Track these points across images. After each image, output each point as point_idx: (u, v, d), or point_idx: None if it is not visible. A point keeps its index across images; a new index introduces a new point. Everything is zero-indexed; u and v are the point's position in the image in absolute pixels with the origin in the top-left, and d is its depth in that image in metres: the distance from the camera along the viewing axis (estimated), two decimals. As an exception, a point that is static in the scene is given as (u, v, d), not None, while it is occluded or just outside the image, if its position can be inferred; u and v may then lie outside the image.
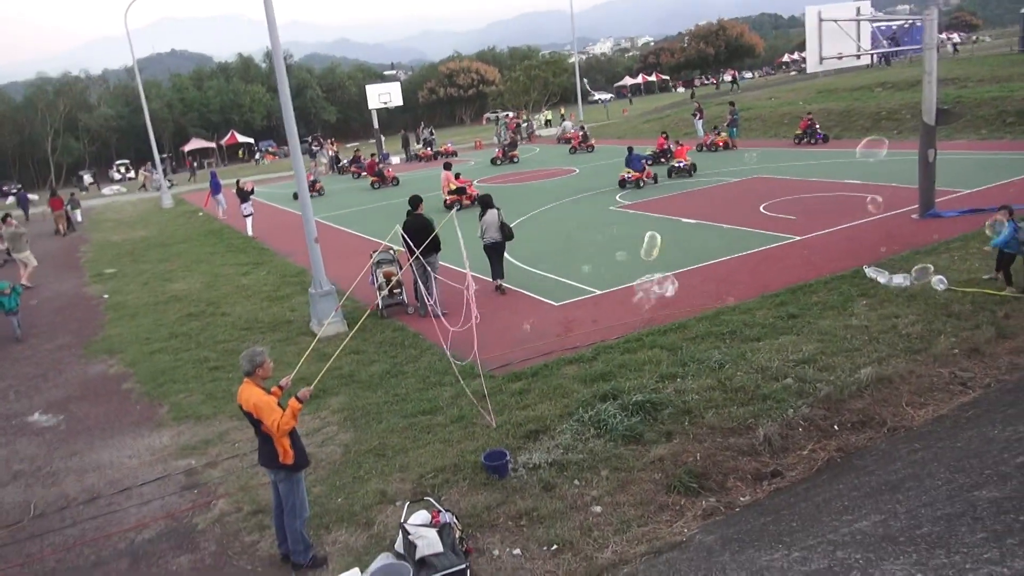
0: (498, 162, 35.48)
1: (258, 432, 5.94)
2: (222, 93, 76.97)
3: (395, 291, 12.83)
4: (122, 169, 67.54)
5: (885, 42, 15.29)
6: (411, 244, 12.06)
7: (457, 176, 23.35)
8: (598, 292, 12.78)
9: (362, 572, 5.81)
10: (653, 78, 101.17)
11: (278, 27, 12.24)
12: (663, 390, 8.46)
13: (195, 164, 53.63)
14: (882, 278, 11.44)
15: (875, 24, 17.56)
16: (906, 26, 56.65)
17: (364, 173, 36.22)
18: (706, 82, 72.95)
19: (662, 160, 26.29)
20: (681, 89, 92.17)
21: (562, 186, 25.85)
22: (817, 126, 29.06)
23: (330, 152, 42.98)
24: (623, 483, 6.80)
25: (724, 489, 6.59)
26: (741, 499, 6.40)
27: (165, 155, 69.26)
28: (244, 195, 22.41)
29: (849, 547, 4.46)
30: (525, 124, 49.62)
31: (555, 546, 6.03)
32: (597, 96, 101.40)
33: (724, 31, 68.74)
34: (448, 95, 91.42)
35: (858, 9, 15.66)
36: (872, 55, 49.75)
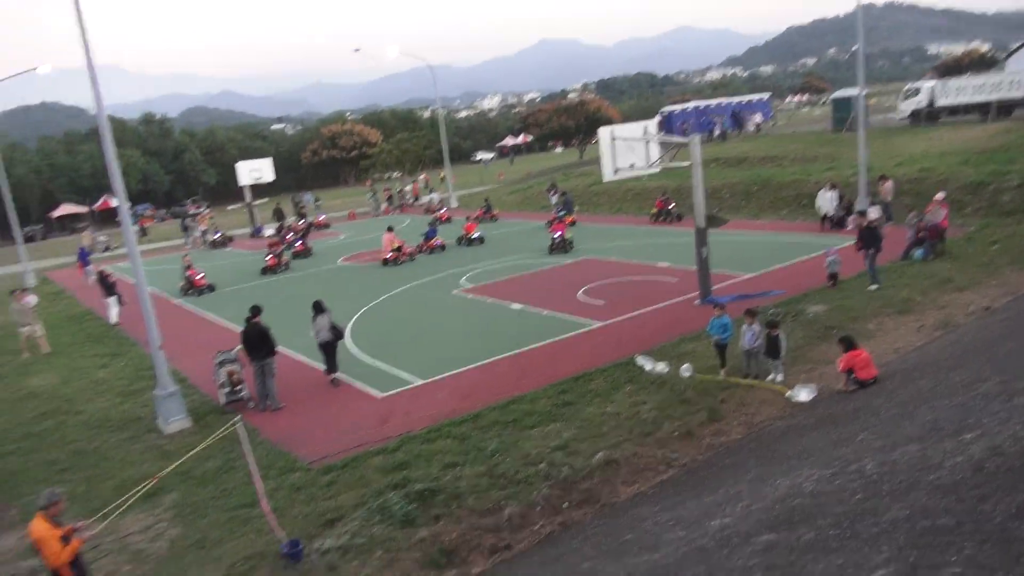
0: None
1: None
2: (94, 158, 75.48)
3: (237, 388, 14.35)
4: None
5: (662, 154, 18.11)
6: (247, 352, 13.77)
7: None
8: (419, 382, 14.71)
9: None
10: (533, 138, 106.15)
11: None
12: (443, 478, 10.39)
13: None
14: (648, 365, 13.90)
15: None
16: (747, 103, 62.80)
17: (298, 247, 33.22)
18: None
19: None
20: (559, 149, 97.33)
21: (416, 267, 27.88)
22: (671, 206, 31.33)
23: (201, 226, 43.41)
24: (391, 562, 8.64)
25: (466, 563, 8.54)
26: (474, 570, 8.36)
27: (36, 227, 67.38)
28: (110, 288, 23.13)
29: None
30: (399, 192, 51.67)
31: (326, 618, 7.78)
32: (479, 156, 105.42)
33: (583, 105, 74.14)
34: (332, 157, 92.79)
35: (645, 128, 18.58)
36: (715, 131, 54.78)
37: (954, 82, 43.94)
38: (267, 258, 30.16)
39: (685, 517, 6.77)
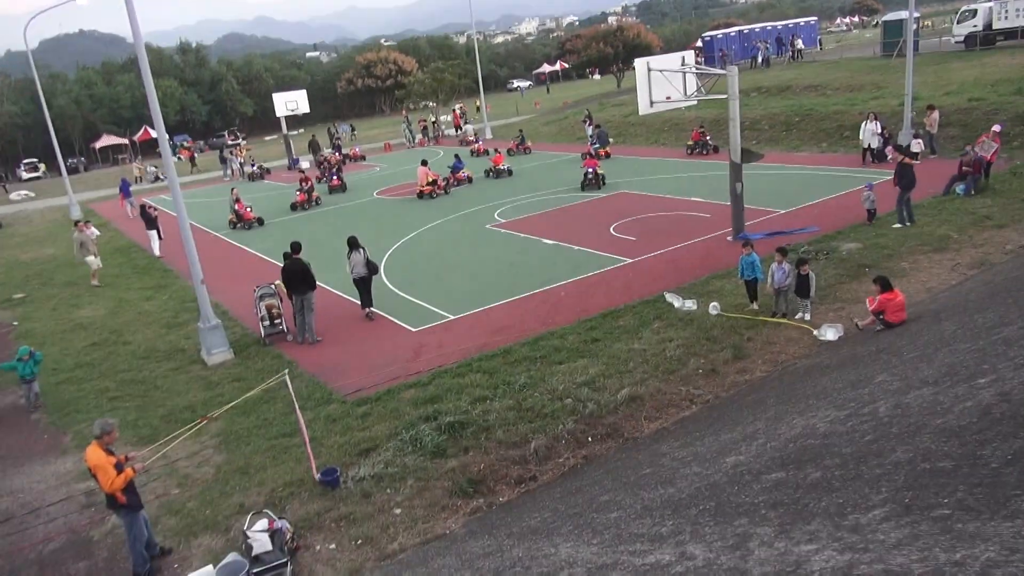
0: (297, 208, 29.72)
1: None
2: (133, 88, 76.02)
3: (276, 321, 14.83)
4: (39, 166, 65.94)
5: (700, 85, 17.80)
6: (288, 287, 14.17)
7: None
8: (451, 317, 15.02)
9: (214, 567, 7.93)
10: (570, 65, 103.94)
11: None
12: (473, 411, 10.75)
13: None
14: (677, 303, 13.99)
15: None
16: (793, 26, 60.49)
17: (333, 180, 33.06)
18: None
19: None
20: (597, 76, 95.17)
21: (450, 201, 27.98)
22: (708, 137, 31.05)
23: (239, 158, 43.84)
24: (421, 490, 9.08)
25: (492, 492, 8.94)
26: (500, 499, 8.76)
27: (79, 158, 68.59)
28: (151, 221, 23.73)
29: (527, 536, 6.83)
30: (434, 123, 51.33)
31: (360, 540, 8.27)
32: (516, 84, 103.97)
33: (622, 32, 72.04)
34: (367, 86, 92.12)
35: (683, 59, 18.18)
36: (759, 57, 53.04)
37: (1014, 2, 41.71)
38: (296, 192, 30.31)
39: (702, 453, 7.00)
